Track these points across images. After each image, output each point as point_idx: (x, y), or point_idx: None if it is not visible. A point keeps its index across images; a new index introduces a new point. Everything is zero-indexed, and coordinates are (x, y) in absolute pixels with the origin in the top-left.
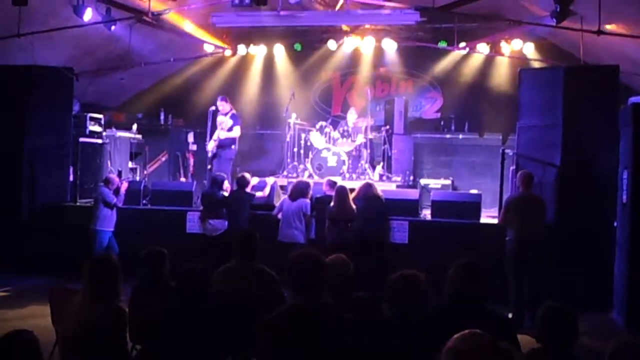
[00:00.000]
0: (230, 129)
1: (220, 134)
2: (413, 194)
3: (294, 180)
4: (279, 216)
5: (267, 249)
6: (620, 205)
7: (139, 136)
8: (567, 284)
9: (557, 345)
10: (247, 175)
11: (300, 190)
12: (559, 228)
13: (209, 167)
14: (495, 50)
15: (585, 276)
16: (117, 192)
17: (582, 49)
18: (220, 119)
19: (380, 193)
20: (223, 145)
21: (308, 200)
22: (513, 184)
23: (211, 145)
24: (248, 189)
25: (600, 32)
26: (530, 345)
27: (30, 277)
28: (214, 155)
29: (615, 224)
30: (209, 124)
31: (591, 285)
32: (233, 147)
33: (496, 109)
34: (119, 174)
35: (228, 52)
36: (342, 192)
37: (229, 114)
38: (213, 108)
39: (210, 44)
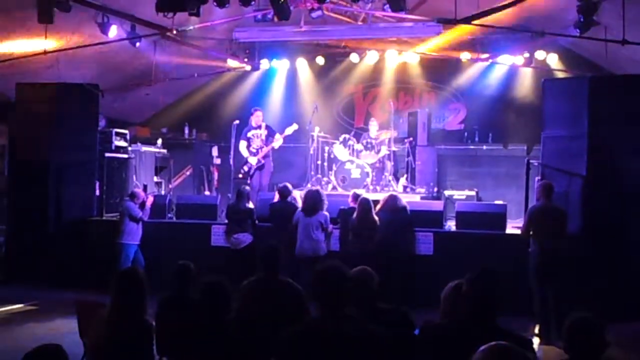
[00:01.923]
0: (268, 141)
1: (275, 144)
2: (437, 205)
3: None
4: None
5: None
6: None
7: (164, 150)
8: (596, 294)
9: (584, 357)
10: (289, 185)
11: (314, 206)
12: (587, 238)
13: (247, 180)
14: (518, 61)
15: (614, 286)
16: (142, 206)
17: (606, 58)
18: (255, 132)
19: (405, 205)
20: (267, 155)
21: (327, 213)
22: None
23: (254, 161)
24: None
25: (625, 42)
26: (559, 357)
27: (58, 290)
28: (260, 167)
29: None
30: (233, 138)
31: (620, 295)
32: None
33: (520, 120)
34: (145, 188)
35: (250, 67)
36: (364, 204)
37: (264, 125)
38: (237, 122)
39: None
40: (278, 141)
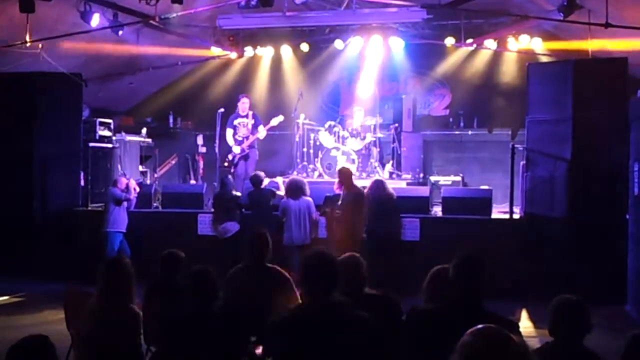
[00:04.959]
0: (254, 130)
1: (259, 134)
2: (423, 191)
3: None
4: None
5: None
6: (632, 197)
7: (149, 140)
8: (580, 276)
9: (568, 338)
10: (261, 173)
11: (299, 188)
12: (572, 221)
13: (232, 169)
14: (502, 46)
15: (598, 269)
16: (127, 190)
17: (590, 42)
18: (241, 120)
19: (391, 190)
20: (252, 145)
21: (310, 199)
22: (524, 178)
23: (237, 150)
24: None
25: (608, 25)
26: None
27: (44, 282)
28: (245, 156)
29: (627, 216)
30: (218, 126)
31: (604, 278)
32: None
33: (505, 104)
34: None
35: (235, 55)
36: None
37: (250, 114)
38: (222, 110)
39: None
40: (261, 132)
